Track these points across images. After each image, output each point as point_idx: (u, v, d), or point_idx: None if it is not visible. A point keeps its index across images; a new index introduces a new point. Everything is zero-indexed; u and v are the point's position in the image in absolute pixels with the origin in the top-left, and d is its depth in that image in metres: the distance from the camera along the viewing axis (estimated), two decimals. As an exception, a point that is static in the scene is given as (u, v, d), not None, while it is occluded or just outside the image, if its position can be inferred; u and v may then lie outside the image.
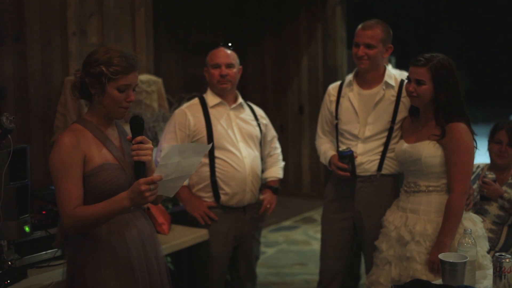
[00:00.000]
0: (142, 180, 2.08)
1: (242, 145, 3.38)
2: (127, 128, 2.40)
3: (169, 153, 2.06)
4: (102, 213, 2.15)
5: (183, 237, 3.29)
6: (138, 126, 2.25)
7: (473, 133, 2.86)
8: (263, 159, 3.61)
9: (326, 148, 3.43)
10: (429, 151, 2.85)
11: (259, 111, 3.62)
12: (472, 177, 3.57)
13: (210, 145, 2.32)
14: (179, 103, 4.63)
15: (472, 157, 2.85)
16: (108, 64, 2.21)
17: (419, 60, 2.85)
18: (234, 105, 3.46)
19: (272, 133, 3.66)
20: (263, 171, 3.61)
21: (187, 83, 7.52)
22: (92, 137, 2.28)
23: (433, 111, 2.88)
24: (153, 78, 4.83)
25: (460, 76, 2.87)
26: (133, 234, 2.30)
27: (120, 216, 2.27)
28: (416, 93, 2.86)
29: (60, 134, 2.29)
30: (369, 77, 3.29)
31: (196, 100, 3.47)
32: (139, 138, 2.24)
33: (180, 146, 2.13)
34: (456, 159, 2.80)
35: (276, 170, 3.64)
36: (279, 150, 3.72)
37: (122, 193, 2.15)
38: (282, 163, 3.72)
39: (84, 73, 2.26)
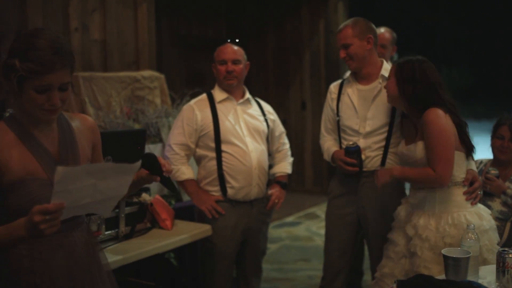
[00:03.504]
0: (36, 208, 1.64)
1: (248, 140, 3.41)
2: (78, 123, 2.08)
3: (66, 177, 1.65)
4: None
5: (186, 232, 3.30)
6: (155, 167, 2.06)
7: (460, 125, 2.85)
8: (271, 154, 3.64)
9: (329, 145, 3.46)
10: (421, 152, 2.85)
11: (266, 107, 3.65)
12: (475, 172, 3.57)
13: (137, 164, 1.87)
14: (182, 99, 4.64)
15: (447, 140, 2.78)
16: (22, 57, 1.75)
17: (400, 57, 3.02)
18: (241, 100, 3.49)
19: (280, 128, 3.69)
20: (271, 166, 3.65)
21: (190, 79, 7.53)
22: (16, 141, 1.85)
23: (410, 108, 2.92)
24: (155, 74, 4.83)
25: (436, 69, 2.93)
26: (58, 261, 1.91)
27: (45, 237, 1.76)
28: (386, 88, 3.02)
29: None
30: (365, 73, 3.33)
31: (204, 96, 3.51)
32: (157, 179, 2.05)
33: (87, 167, 1.77)
34: (430, 143, 2.79)
35: (285, 166, 3.68)
36: (287, 146, 3.75)
37: (20, 220, 1.70)
38: (291, 159, 3.75)
39: (2, 62, 1.81)
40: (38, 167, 1.85)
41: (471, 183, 2.88)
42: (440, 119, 2.79)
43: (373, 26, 3.35)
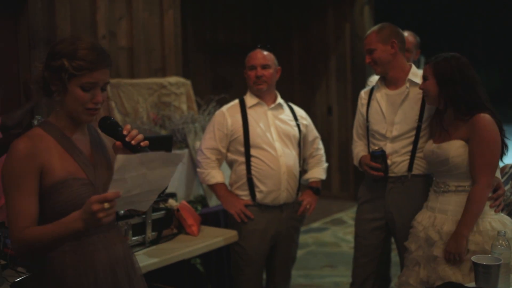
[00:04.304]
0: (94, 198, 1.73)
1: (278, 145, 3.42)
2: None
3: (125, 165, 1.72)
4: (51, 237, 1.82)
5: (213, 238, 3.30)
6: (111, 126, 1.98)
7: (501, 129, 2.82)
8: (305, 159, 3.65)
9: (358, 151, 3.47)
10: (456, 151, 2.82)
11: (299, 112, 3.66)
12: (505, 178, 3.51)
13: (184, 152, 1.88)
14: (208, 104, 4.66)
15: (497, 149, 2.79)
16: (71, 57, 1.89)
17: (429, 58, 2.95)
18: (272, 105, 3.51)
19: (314, 133, 3.70)
20: (305, 171, 3.65)
21: (216, 84, 7.56)
22: (55, 145, 1.94)
23: (453, 109, 2.87)
24: (181, 80, 4.86)
25: (481, 73, 2.91)
26: (102, 261, 1.97)
27: (88, 238, 1.94)
28: (423, 89, 2.97)
29: (16, 139, 1.93)
30: (391, 77, 3.33)
31: (236, 101, 3.55)
32: (118, 143, 1.97)
33: (142, 156, 1.79)
34: (480, 149, 2.76)
35: (318, 171, 3.68)
36: (322, 151, 3.76)
37: (74, 213, 1.79)
38: (325, 164, 3.75)
39: (45, 66, 1.94)
40: (78, 168, 1.95)
41: (495, 190, 2.84)
42: (491, 126, 2.77)
43: (400, 31, 3.34)
